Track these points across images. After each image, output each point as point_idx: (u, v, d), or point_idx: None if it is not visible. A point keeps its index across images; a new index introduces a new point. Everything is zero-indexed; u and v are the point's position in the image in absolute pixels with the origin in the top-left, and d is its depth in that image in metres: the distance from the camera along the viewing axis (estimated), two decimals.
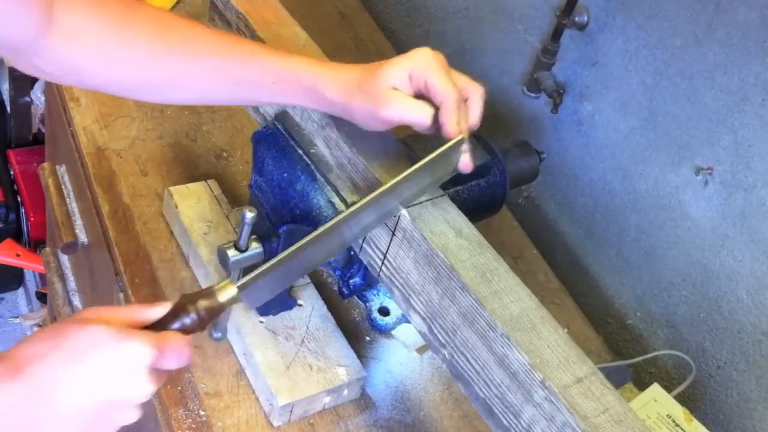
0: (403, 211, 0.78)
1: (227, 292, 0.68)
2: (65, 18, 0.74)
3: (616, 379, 1.07)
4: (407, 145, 0.86)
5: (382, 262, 0.82)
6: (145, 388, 0.64)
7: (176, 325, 0.67)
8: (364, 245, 0.84)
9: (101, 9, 0.77)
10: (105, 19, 0.78)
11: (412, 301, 0.79)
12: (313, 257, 0.76)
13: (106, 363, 0.62)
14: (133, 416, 0.65)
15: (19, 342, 0.64)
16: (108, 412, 0.64)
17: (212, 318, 0.68)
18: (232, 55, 0.82)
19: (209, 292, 0.68)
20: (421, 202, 0.79)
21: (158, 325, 0.67)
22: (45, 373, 0.61)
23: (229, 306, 0.69)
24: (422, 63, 0.77)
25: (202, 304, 0.67)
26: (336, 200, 0.85)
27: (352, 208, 0.75)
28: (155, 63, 0.81)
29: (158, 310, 0.67)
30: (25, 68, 0.79)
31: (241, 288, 0.69)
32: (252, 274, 0.70)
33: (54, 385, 0.61)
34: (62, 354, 0.62)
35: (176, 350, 0.65)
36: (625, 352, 1.21)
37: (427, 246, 0.76)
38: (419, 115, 0.76)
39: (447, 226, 0.78)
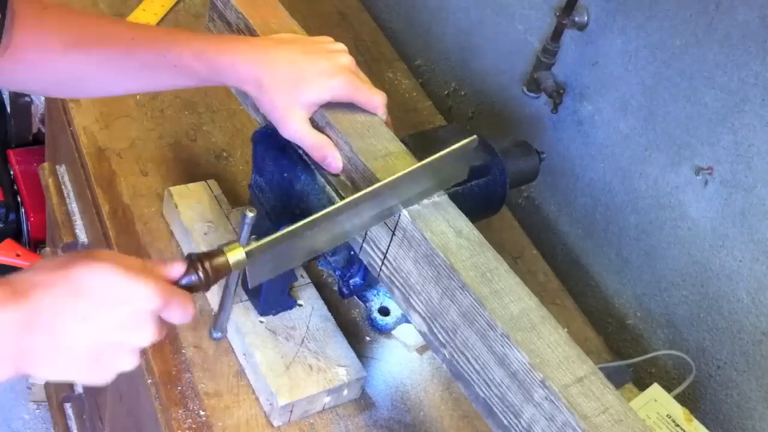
0: (404, 211, 0.78)
1: (236, 254, 0.69)
2: None
3: (616, 379, 1.07)
4: (407, 145, 0.86)
5: (382, 262, 0.82)
6: (147, 334, 0.63)
7: (184, 281, 0.67)
8: (364, 245, 0.84)
9: (18, 10, 0.81)
10: (22, 20, 0.81)
11: (412, 300, 0.79)
12: (316, 241, 0.76)
13: (112, 302, 0.61)
14: (131, 362, 0.64)
15: (23, 269, 0.62)
16: (107, 353, 0.62)
17: (217, 279, 0.69)
18: (133, 42, 0.85)
19: (218, 252, 0.68)
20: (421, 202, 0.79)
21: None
22: (48, 303, 0.60)
23: (235, 270, 0.69)
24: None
25: (210, 262, 0.68)
26: (336, 200, 0.85)
27: (351, 197, 0.75)
28: (65, 58, 0.84)
29: (174, 269, 0.67)
30: None
31: (248, 253, 0.69)
32: (260, 242, 0.71)
33: (56, 317, 0.60)
34: (69, 287, 0.60)
35: (181, 304, 0.65)
36: (625, 352, 1.21)
37: (427, 246, 0.75)
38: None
39: (447, 226, 0.78)
